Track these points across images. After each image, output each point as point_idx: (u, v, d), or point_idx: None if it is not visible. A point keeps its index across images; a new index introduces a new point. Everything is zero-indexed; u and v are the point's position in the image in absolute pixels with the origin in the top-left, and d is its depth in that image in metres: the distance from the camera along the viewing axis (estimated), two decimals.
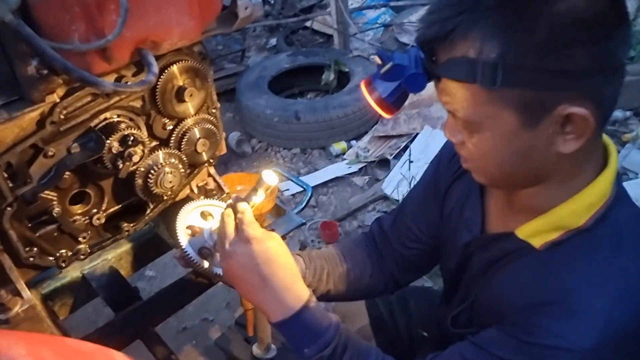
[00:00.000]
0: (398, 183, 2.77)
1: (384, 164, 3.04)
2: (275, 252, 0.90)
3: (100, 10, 0.78)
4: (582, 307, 0.75)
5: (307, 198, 1.50)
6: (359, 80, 3.40)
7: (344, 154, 3.19)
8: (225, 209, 0.96)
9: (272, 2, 5.58)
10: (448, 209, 1.04)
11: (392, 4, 4.50)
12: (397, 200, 2.70)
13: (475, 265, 0.94)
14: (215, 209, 1.07)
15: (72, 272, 1.31)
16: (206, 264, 0.99)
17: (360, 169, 3.05)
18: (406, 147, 3.01)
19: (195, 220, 1.04)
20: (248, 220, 0.92)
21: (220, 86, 4.01)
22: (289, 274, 0.90)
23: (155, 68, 0.86)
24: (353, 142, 3.24)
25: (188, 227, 1.01)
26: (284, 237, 1.38)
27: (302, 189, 2.90)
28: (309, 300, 0.89)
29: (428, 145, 2.98)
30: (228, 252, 0.90)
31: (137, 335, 1.18)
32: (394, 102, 0.85)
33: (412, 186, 2.67)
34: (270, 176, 0.98)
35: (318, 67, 3.72)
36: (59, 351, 0.71)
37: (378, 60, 0.83)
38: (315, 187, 2.92)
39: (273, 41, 4.91)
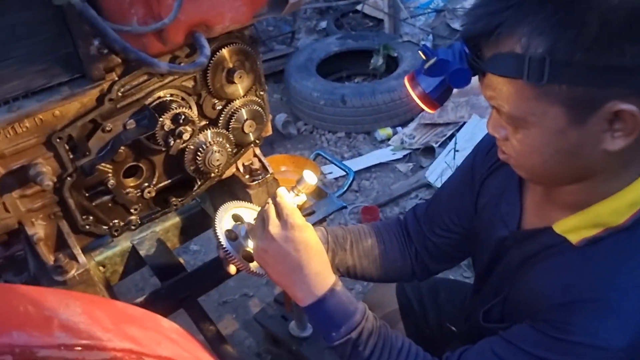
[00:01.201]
0: (442, 171, 2.75)
1: (429, 151, 3.02)
2: (313, 241, 0.94)
3: None
4: (617, 307, 0.75)
5: (349, 182, 1.51)
6: (407, 66, 3.37)
7: (389, 139, 3.18)
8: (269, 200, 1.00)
9: None
10: (483, 201, 1.04)
11: None
12: None
13: (510, 260, 0.94)
14: (246, 211, 1.11)
15: (123, 242, 1.39)
16: (252, 266, 1.03)
17: (404, 156, 3.05)
18: (452, 136, 2.98)
19: (229, 223, 1.07)
20: (291, 209, 0.95)
21: (269, 67, 4.05)
22: (321, 262, 0.94)
23: (208, 50, 0.89)
24: (399, 129, 3.23)
25: (227, 231, 1.04)
26: (324, 219, 1.42)
27: (344, 173, 2.92)
28: (335, 284, 0.92)
29: (475, 134, 2.94)
30: (270, 235, 0.93)
31: (181, 305, 1.25)
32: (437, 98, 0.86)
33: None
34: (311, 176, 1.01)
35: (367, 51, 3.71)
36: (110, 312, 0.77)
37: (422, 56, 0.83)
38: (358, 172, 2.93)
39: (323, 24, 4.90)
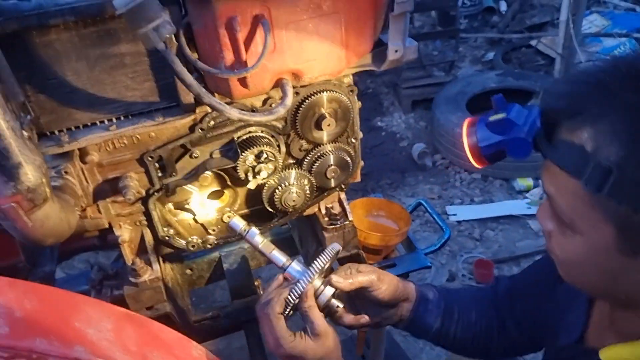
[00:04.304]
0: None
1: None
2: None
3: (247, 44, 0.85)
4: None
5: (443, 241, 1.44)
6: None
7: (527, 191, 2.95)
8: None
9: (504, 12, 5.33)
10: (559, 298, 0.93)
11: (635, 35, 3.94)
12: None
13: None
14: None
15: (213, 252, 1.48)
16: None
17: None
18: None
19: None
20: (314, 317, 0.92)
21: (423, 93, 4.01)
22: None
23: (288, 100, 0.91)
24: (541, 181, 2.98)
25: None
26: (406, 275, 1.37)
27: (470, 218, 2.78)
28: None
29: None
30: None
31: (242, 326, 1.29)
32: (489, 156, 0.78)
33: None
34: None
35: (526, 92, 3.47)
36: (142, 333, 0.82)
37: (493, 105, 0.76)
38: (484, 220, 2.77)
39: (490, 55, 4.70)
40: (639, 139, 0.57)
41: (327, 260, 0.95)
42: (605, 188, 0.59)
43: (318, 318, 0.92)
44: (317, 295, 0.97)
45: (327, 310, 1.00)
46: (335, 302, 0.99)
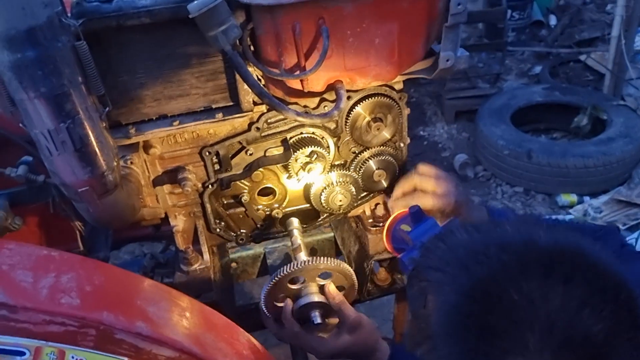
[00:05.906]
0: None
1: None
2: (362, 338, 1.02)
3: (306, 49, 0.90)
4: None
5: None
6: (615, 133, 3.04)
7: (571, 207, 2.91)
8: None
9: (553, 26, 5.26)
10: None
11: None
12: None
13: None
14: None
15: (258, 247, 1.53)
16: None
17: None
18: None
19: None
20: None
21: (466, 104, 4.00)
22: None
23: (342, 104, 0.95)
24: (586, 198, 2.93)
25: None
26: None
27: None
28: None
29: None
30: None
31: None
32: (395, 250, 0.98)
33: None
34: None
35: (573, 107, 3.43)
36: (195, 316, 0.87)
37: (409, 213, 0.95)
38: None
39: (537, 69, 4.64)
40: (446, 332, 0.60)
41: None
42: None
43: (351, 312, 0.98)
44: (301, 296, 1.05)
45: (302, 316, 1.06)
46: (315, 314, 1.05)
